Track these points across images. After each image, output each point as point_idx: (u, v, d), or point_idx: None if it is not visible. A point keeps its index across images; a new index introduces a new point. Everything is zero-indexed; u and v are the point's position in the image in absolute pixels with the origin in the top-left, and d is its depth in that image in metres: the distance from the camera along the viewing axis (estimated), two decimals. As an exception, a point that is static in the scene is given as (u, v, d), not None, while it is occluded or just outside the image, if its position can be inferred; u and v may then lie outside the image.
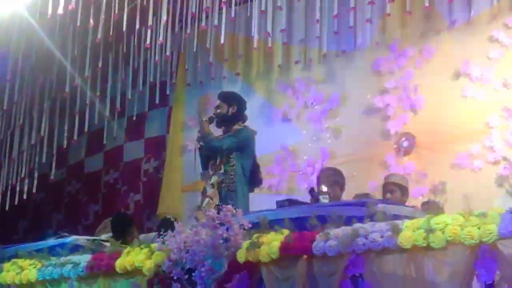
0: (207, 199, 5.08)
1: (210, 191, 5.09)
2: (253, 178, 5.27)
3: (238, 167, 5.08)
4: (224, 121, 5.22)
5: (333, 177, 5.22)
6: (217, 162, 5.15)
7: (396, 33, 6.69)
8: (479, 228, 3.30)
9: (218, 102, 5.31)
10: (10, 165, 8.12)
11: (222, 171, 5.10)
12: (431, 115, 6.37)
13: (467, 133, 6.11)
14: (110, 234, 5.88)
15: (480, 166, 5.98)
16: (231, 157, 5.11)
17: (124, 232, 5.67)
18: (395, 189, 5.09)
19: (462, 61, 6.23)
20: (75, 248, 5.21)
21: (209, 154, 5.25)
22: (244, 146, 5.14)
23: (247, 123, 5.40)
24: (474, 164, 5.99)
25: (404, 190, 5.12)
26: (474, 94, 6.13)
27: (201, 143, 5.31)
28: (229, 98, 5.29)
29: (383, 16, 6.55)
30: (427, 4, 5.94)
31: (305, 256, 3.79)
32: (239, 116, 5.23)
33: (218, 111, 5.22)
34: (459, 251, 3.34)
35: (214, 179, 5.12)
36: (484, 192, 5.61)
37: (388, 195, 5.04)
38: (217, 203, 4.87)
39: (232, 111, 5.21)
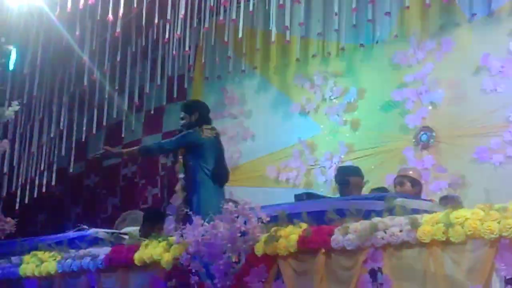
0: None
1: (182, 195, 5.19)
2: (216, 176, 5.26)
3: (196, 168, 5.11)
4: (191, 129, 5.31)
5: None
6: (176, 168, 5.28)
7: (415, 27, 6.64)
8: (499, 223, 3.27)
9: (182, 114, 5.38)
10: (30, 158, 8.19)
11: (182, 175, 5.20)
12: (450, 109, 6.33)
13: (487, 127, 6.06)
14: (129, 227, 5.93)
15: (500, 160, 5.92)
16: (185, 160, 5.20)
17: (154, 224, 5.69)
18: (404, 182, 5.05)
19: (482, 55, 6.17)
20: (94, 241, 5.25)
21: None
22: (189, 147, 5.20)
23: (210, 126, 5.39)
24: (494, 158, 5.94)
25: (415, 182, 5.07)
26: (494, 88, 6.08)
27: None
28: (189, 107, 5.44)
29: (402, 9, 6.50)
30: (446, -3, 5.89)
31: (323, 250, 3.78)
32: (204, 120, 5.33)
33: (183, 122, 5.34)
34: (479, 246, 3.31)
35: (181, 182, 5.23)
36: (504, 186, 5.58)
37: (398, 188, 5.02)
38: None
39: (195, 118, 5.29)
